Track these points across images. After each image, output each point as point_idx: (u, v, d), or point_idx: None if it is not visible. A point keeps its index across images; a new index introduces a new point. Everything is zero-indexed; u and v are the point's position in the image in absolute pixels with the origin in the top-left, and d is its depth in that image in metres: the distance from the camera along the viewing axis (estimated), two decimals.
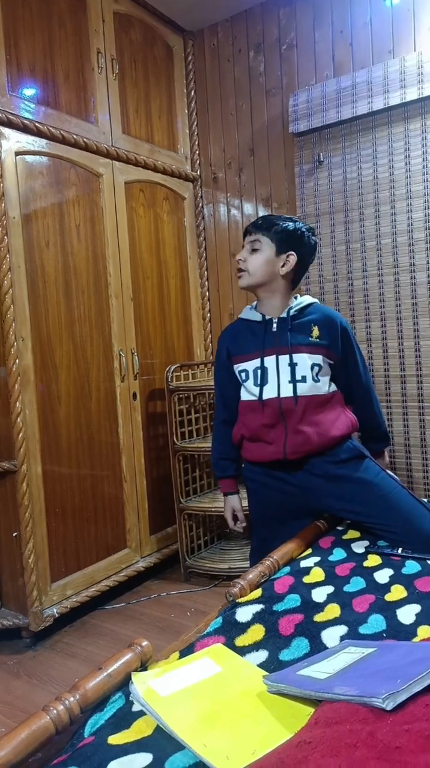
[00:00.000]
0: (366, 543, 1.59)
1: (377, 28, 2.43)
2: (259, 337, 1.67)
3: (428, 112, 2.31)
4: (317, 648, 1.09)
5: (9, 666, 1.97)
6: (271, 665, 1.05)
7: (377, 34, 2.43)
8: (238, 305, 2.94)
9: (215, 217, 2.98)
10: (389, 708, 0.76)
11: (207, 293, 3.01)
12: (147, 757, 0.81)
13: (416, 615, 1.18)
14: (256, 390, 1.66)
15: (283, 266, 1.64)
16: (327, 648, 1.09)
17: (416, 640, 1.09)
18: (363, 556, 1.51)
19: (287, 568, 1.45)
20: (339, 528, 1.74)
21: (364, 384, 1.76)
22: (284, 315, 1.66)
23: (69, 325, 2.25)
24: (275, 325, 1.66)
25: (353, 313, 2.56)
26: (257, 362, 1.66)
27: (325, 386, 1.66)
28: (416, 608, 1.21)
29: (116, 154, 2.46)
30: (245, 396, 1.71)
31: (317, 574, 1.41)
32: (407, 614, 1.19)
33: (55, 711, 0.86)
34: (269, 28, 2.72)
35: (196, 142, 2.96)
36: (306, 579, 1.38)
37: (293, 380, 1.63)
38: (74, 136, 2.26)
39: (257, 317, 1.69)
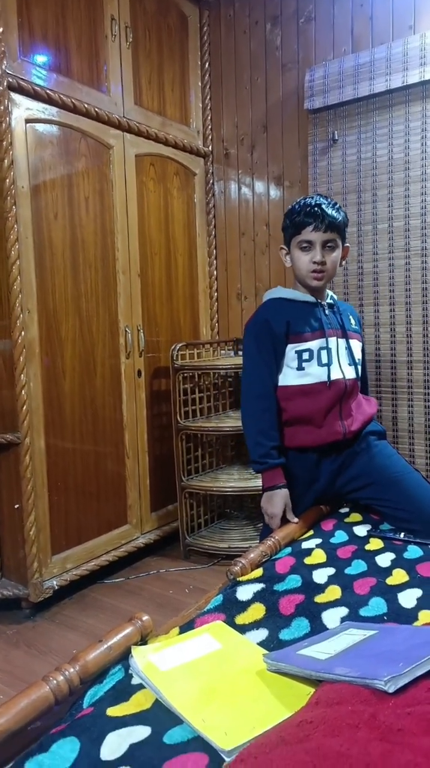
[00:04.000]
0: (368, 526, 1.59)
1: (398, 2, 2.36)
2: (315, 317, 1.64)
3: None
4: (318, 629, 1.09)
5: (8, 636, 1.99)
6: (271, 644, 1.05)
7: (398, 8, 2.36)
8: (245, 285, 2.91)
9: (225, 194, 2.93)
10: (391, 690, 0.76)
11: (215, 272, 2.97)
12: (145, 730, 0.81)
13: (418, 599, 1.18)
14: (320, 371, 1.61)
15: (342, 257, 1.68)
16: (327, 629, 1.09)
17: (417, 624, 1.09)
18: (365, 540, 1.50)
19: (289, 549, 1.45)
20: (341, 511, 1.74)
21: (366, 372, 1.83)
22: (331, 301, 1.71)
23: (75, 299, 2.23)
24: (326, 309, 1.67)
25: (361, 297, 2.53)
26: (321, 342, 1.62)
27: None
28: (417, 592, 1.20)
29: (128, 125, 2.42)
30: (298, 380, 1.62)
31: (319, 556, 1.41)
32: (408, 598, 1.19)
33: (54, 681, 0.86)
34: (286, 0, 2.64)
35: (209, 117, 2.90)
36: (307, 560, 1.38)
37: (353, 362, 1.67)
38: (86, 105, 2.21)
39: (311, 298, 1.66)
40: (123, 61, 2.42)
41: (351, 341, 1.69)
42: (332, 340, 1.64)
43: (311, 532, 1.58)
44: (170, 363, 2.51)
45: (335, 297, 1.78)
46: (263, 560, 1.38)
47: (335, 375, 1.63)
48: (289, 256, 1.68)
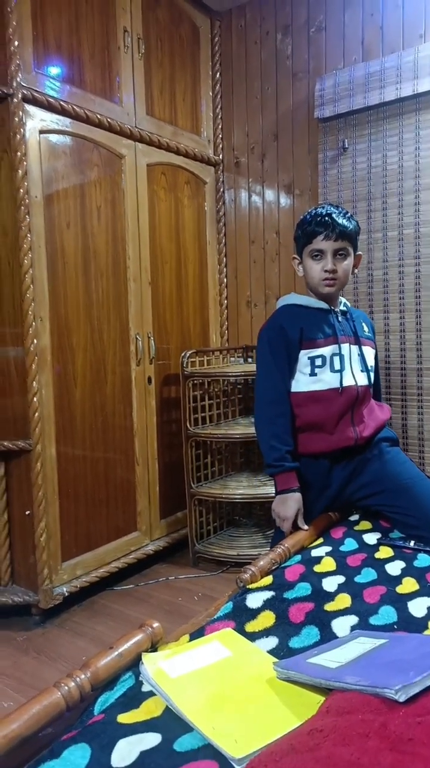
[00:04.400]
0: (378, 535, 1.58)
1: (409, 10, 2.37)
2: (330, 324, 1.66)
3: None
4: (327, 637, 1.09)
5: (18, 642, 2.00)
6: (281, 652, 1.05)
7: (409, 17, 2.37)
8: (255, 292, 2.92)
9: (236, 202, 2.95)
10: (401, 700, 0.75)
11: (225, 280, 2.99)
12: (156, 737, 0.81)
13: (428, 608, 1.17)
14: (333, 377, 1.63)
15: (355, 266, 1.69)
16: (337, 637, 1.08)
17: (427, 633, 1.08)
18: (375, 548, 1.50)
19: (298, 557, 1.45)
20: (351, 518, 1.73)
21: (378, 379, 1.84)
22: (343, 308, 1.72)
23: (87, 308, 2.25)
24: (339, 316, 1.69)
25: (371, 304, 2.53)
26: (334, 348, 1.64)
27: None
28: (427, 601, 1.20)
29: (139, 135, 2.44)
30: (310, 386, 1.63)
31: (328, 564, 1.40)
32: (418, 607, 1.18)
33: (66, 687, 0.87)
34: (297, 9, 2.66)
35: (220, 126, 2.92)
36: (317, 568, 1.38)
37: (366, 369, 1.68)
38: (98, 116, 2.24)
39: (324, 305, 1.68)
40: (135, 71, 2.44)
41: (364, 348, 1.70)
42: (345, 347, 1.66)
43: (321, 540, 1.57)
44: (180, 370, 2.52)
45: (349, 304, 1.79)
46: (273, 568, 1.38)
47: (348, 381, 1.64)
48: (301, 266, 1.70)
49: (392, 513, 1.61)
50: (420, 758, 0.61)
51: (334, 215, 1.59)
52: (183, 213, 2.74)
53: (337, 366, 1.63)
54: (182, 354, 2.53)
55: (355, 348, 1.68)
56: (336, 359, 1.64)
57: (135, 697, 0.90)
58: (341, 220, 1.59)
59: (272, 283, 2.86)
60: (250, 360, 2.88)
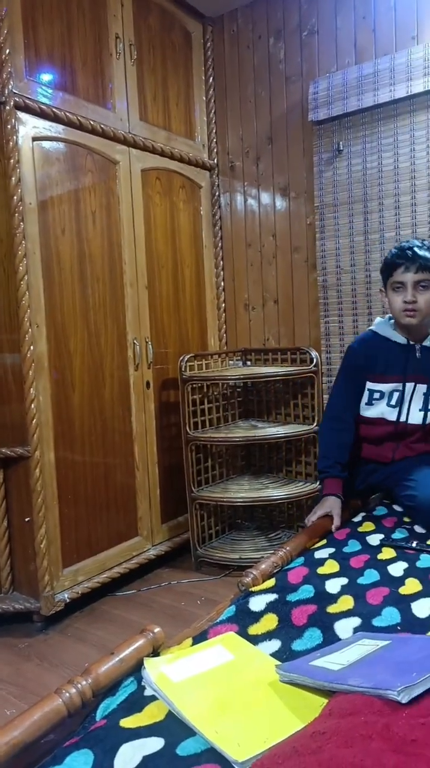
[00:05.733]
0: (381, 536, 1.58)
1: (401, 13, 2.38)
2: (401, 361, 1.77)
3: None
4: (330, 639, 1.09)
5: (20, 649, 1.99)
6: (283, 655, 1.05)
7: (401, 19, 2.38)
8: (253, 295, 2.92)
9: (231, 206, 2.95)
10: (404, 701, 0.75)
11: (222, 283, 2.99)
12: (159, 742, 0.81)
13: None
14: (387, 409, 1.79)
15: None
16: (340, 639, 1.08)
17: None
18: (378, 549, 1.50)
19: (301, 559, 1.44)
20: (354, 520, 1.73)
21: None
22: (428, 343, 1.76)
23: (83, 313, 2.24)
24: (418, 352, 1.76)
25: (370, 305, 2.53)
26: (395, 386, 1.78)
27: None
28: None
29: (133, 141, 2.45)
30: (370, 412, 1.82)
31: (331, 566, 1.40)
32: (422, 608, 1.18)
33: (67, 694, 0.86)
34: (289, 13, 2.67)
35: (214, 130, 2.93)
36: (320, 570, 1.38)
37: (425, 408, 1.76)
38: (91, 122, 2.24)
39: (402, 340, 1.77)
40: (128, 77, 2.45)
41: None
42: (410, 385, 1.76)
43: (324, 542, 1.57)
44: (179, 374, 2.52)
45: None
46: (275, 571, 1.38)
47: (393, 417, 1.79)
48: (386, 298, 1.78)
49: (399, 486, 1.74)
50: (424, 759, 0.60)
51: (415, 248, 1.67)
52: (179, 217, 2.74)
53: (394, 401, 1.78)
54: (180, 358, 2.52)
55: (422, 386, 1.75)
56: (395, 394, 1.78)
57: (137, 702, 0.90)
58: (422, 252, 1.66)
59: (270, 285, 2.86)
60: (248, 363, 2.88)
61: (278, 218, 2.81)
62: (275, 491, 2.52)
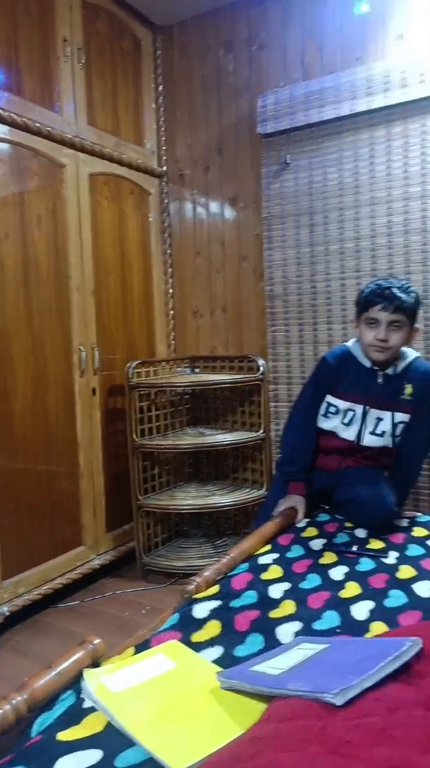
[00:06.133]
0: (323, 540, 1.61)
1: (346, 34, 2.46)
2: (363, 384, 1.82)
3: (393, 120, 2.36)
4: (272, 644, 1.10)
5: None
6: (225, 661, 1.05)
7: (347, 40, 2.46)
8: (201, 303, 2.93)
9: (180, 214, 2.96)
10: (339, 704, 0.77)
11: (171, 290, 2.99)
12: (97, 754, 0.79)
13: (370, 611, 1.20)
14: (342, 428, 1.86)
15: (411, 338, 1.78)
16: (281, 644, 1.09)
17: (368, 635, 1.10)
18: (320, 554, 1.53)
19: (246, 565, 1.45)
20: (298, 526, 1.76)
21: (413, 439, 1.84)
22: (390, 372, 1.81)
23: (27, 318, 2.20)
24: (381, 378, 1.80)
25: (315, 316, 2.58)
26: (351, 405, 1.84)
27: (398, 441, 1.83)
28: (369, 605, 1.23)
29: (81, 145, 2.42)
30: (325, 424, 1.90)
31: (275, 571, 1.42)
32: (360, 610, 1.21)
33: (1, 711, 0.83)
34: (238, 27, 2.72)
35: (163, 138, 2.93)
36: (264, 575, 1.39)
37: (374, 432, 1.82)
38: (37, 125, 2.20)
39: (367, 363, 1.82)
40: (76, 81, 2.43)
41: (395, 414, 1.80)
42: (359, 408, 1.82)
43: (269, 547, 1.59)
44: (126, 381, 2.49)
45: (417, 360, 1.83)
46: (218, 578, 1.38)
47: (348, 436, 1.86)
48: (358, 329, 1.81)
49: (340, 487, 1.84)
50: (358, 760, 0.62)
51: (394, 289, 1.71)
52: (127, 223, 2.73)
53: (347, 420, 1.85)
54: (128, 365, 2.50)
55: (384, 413, 1.81)
56: (349, 414, 1.84)
57: (76, 715, 0.88)
58: (399, 294, 1.70)
59: (217, 293, 2.89)
60: (197, 370, 2.89)
61: (226, 227, 2.84)
62: (222, 498, 2.53)
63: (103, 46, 2.58)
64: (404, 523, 1.73)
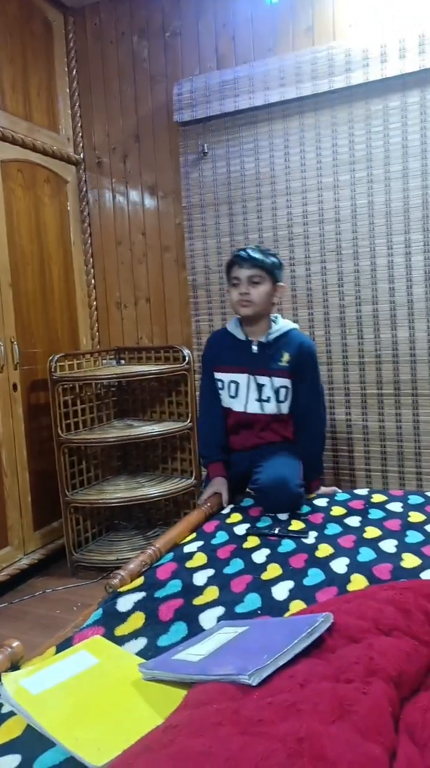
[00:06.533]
0: (247, 525, 1.65)
1: (258, 25, 2.47)
2: (239, 354, 1.95)
3: (305, 111, 2.40)
4: (195, 631, 1.12)
5: None
6: (149, 652, 1.06)
7: (259, 31, 2.48)
8: (125, 294, 2.90)
9: (99, 202, 2.90)
10: (254, 684, 0.79)
11: (93, 281, 2.93)
12: (15, 759, 0.78)
13: (289, 591, 1.24)
14: (229, 400, 1.98)
15: (274, 294, 1.92)
16: (204, 630, 1.11)
17: (287, 615, 1.14)
18: (243, 538, 1.56)
19: (170, 555, 1.47)
20: (223, 512, 1.79)
21: (304, 409, 1.95)
22: (263, 339, 1.93)
23: None
24: (255, 347, 1.93)
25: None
26: (232, 376, 1.96)
27: (286, 408, 1.93)
28: (289, 584, 1.27)
29: None
30: (223, 402, 2.02)
31: (200, 559, 1.44)
32: (281, 590, 1.25)
33: None
34: (152, 13, 2.68)
35: (79, 124, 2.86)
36: (188, 564, 1.41)
37: (260, 399, 1.93)
38: None
39: (241, 336, 1.97)
40: None
41: (267, 378, 1.91)
42: (243, 377, 1.94)
43: (194, 535, 1.61)
44: (48, 375, 2.43)
45: (292, 331, 1.95)
46: (143, 570, 1.39)
47: (237, 408, 1.97)
48: (229, 293, 1.97)
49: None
50: (266, 737, 0.64)
51: (249, 250, 1.90)
52: (44, 212, 2.65)
53: (232, 392, 1.97)
54: (50, 358, 2.44)
55: (257, 377, 1.92)
56: (232, 386, 1.96)
57: None
58: (254, 253, 1.88)
59: (141, 284, 2.86)
60: (122, 362, 2.86)
61: (147, 217, 2.82)
62: (152, 489, 2.54)
63: (12, 28, 2.48)
64: (323, 503, 1.80)
